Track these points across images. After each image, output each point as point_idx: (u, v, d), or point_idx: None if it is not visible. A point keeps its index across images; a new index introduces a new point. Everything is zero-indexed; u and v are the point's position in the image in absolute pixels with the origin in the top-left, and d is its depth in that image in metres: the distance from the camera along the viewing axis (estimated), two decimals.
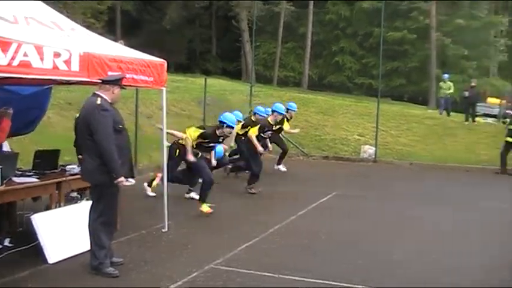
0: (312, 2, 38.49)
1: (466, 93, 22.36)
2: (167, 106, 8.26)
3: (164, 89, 7.60)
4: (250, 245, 7.47)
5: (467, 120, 22.10)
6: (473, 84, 23.19)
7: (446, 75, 24.60)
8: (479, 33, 38.71)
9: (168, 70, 7.86)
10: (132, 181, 7.01)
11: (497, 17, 39.90)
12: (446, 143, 19.10)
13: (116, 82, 6.04)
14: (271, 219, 9.00)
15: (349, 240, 7.97)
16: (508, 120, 16.85)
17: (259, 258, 6.90)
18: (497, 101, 29.40)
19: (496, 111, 26.65)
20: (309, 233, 8.30)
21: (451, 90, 23.42)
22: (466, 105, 22.93)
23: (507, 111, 21.52)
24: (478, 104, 24.10)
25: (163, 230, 7.90)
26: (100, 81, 6.03)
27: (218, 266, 6.50)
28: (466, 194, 12.72)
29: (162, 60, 7.54)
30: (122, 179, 5.88)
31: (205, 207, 9.22)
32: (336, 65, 39.69)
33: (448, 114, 23.22)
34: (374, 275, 6.36)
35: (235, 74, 39.09)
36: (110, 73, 6.20)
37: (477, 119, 22.98)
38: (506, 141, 16.19)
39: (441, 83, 24.22)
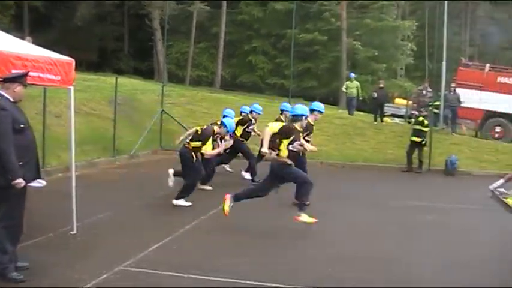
0: (225, 2, 38.61)
1: (375, 94, 23.03)
2: (77, 105, 8.11)
3: (72, 88, 7.41)
4: (161, 246, 7.38)
5: (375, 120, 22.78)
6: (381, 85, 23.92)
7: (352, 74, 25.20)
8: (387, 36, 40.12)
9: (79, 68, 7.69)
10: (42, 182, 6.78)
11: (404, 22, 41.49)
12: (355, 142, 19.63)
13: (17, 80, 5.80)
14: (183, 218, 8.95)
15: (261, 238, 8.05)
16: (413, 120, 17.58)
17: (170, 259, 6.84)
18: (404, 101, 30.54)
19: (403, 112, 27.67)
20: (220, 232, 8.31)
21: (358, 90, 24.04)
22: (374, 106, 23.63)
23: (413, 111, 22.39)
24: (386, 104, 24.90)
25: (71, 233, 7.67)
26: (1, 79, 5.82)
27: (128, 267, 6.38)
28: (375, 192, 13.12)
29: (70, 58, 7.33)
30: (19, 180, 5.61)
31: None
32: (249, 65, 39.96)
33: (351, 113, 23.88)
34: (283, 274, 6.43)
35: (148, 73, 38.64)
36: (13, 71, 5.99)
37: (385, 119, 23.76)
38: (412, 141, 16.93)
39: (347, 82, 24.74)
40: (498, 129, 23.84)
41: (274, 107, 23.12)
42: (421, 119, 17.46)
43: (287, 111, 12.74)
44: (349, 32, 37.70)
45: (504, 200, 12.46)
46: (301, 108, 8.98)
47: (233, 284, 6.01)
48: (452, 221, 10.19)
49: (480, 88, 23.80)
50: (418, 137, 17.06)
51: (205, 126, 10.82)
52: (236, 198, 8.68)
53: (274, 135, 8.45)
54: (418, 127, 17.20)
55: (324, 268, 6.73)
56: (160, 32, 36.68)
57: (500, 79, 24.17)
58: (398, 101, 31.38)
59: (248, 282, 6.05)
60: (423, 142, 17.09)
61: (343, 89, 24.64)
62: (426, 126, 17.39)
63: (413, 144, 16.95)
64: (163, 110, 18.53)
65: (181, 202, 10.12)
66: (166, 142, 17.75)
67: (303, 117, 8.79)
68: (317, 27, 37.88)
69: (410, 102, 28.30)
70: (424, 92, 22.28)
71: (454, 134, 22.25)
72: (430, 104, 21.16)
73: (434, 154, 17.90)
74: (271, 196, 9.02)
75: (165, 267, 6.45)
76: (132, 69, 41.05)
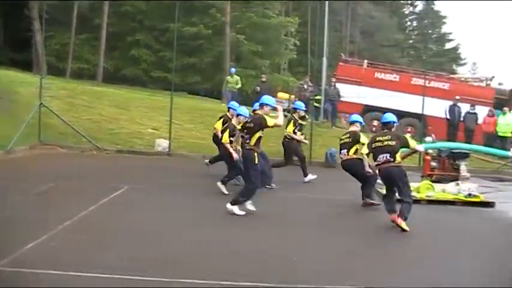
0: None
1: (258, 88, 23.28)
2: None
3: None
4: (38, 243, 6.97)
5: None
6: (263, 79, 24.23)
7: (233, 69, 25.32)
8: (271, 32, 40.70)
9: None
10: None
11: (288, 18, 42.25)
12: None
13: None
14: (61, 215, 8.54)
15: (142, 233, 7.84)
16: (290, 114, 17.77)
17: (49, 257, 6.49)
18: (286, 95, 31.06)
19: (285, 105, 28.12)
20: (100, 228, 8.03)
21: (239, 85, 24.21)
22: (257, 100, 23.84)
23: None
24: None
25: None
26: None
27: (3, 267, 5.97)
28: None
29: None
30: None
31: None
32: (132, 57, 39.14)
33: None
34: (169, 267, 6.33)
35: (26, 65, 36.90)
36: None
37: None
38: None
39: (228, 77, 24.80)
40: (375, 123, 24.77)
41: (156, 100, 22.96)
42: (302, 114, 17.69)
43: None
44: (233, 26, 37.87)
45: (379, 190, 12.93)
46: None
47: (116, 280, 5.83)
48: (332, 211, 10.46)
49: (359, 83, 24.70)
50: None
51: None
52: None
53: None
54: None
55: (207, 262, 6.66)
56: (39, 22, 35.16)
57: (377, 75, 25.22)
58: (280, 95, 31.87)
59: (134, 278, 5.92)
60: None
61: (224, 84, 24.66)
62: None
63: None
64: (41, 103, 17.75)
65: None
66: (45, 137, 17.08)
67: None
68: (202, 21, 37.77)
69: (292, 96, 28.88)
70: (305, 86, 22.76)
71: (333, 127, 22.93)
72: (311, 98, 21.67)
73: (315, 147, 18.31)
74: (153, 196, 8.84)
75: (44, 265, 6.11)
76: (8, 60, 39.01)
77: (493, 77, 26.03)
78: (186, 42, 35.08)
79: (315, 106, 22.27)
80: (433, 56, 60.35)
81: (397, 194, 9.52)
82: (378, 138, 9.72)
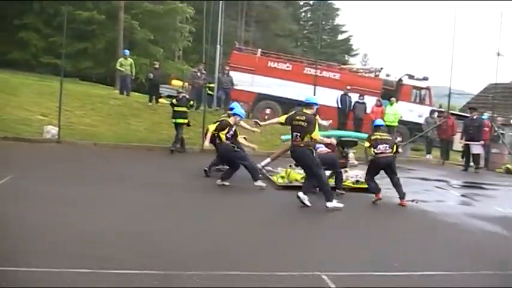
0: None
1: (151, 75, 22.99)
2: None
3: None
4: None
5: (151, 101, 22.79)
6: (156, 66, 23.92)
7: (126, 51, 24.73)
8: (166, 18, 40.25)
9: None
10: None
11: (183, 4, 41.86)
12: (130, 123, 19.45)
13: None
14: None
15: (30, 224, 7.55)
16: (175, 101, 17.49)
17: None
18: (180, 83, 30.93)
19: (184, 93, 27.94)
20: None
21: (133, 68, 23.75)
22: (150, 87, 23.62)
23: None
24: (162, 85, 24.98)
25: None
26: None
27: None
28: (150, 172, 13.10)
29: None
30: None
31: None
32: (20, 41, 37.53)
33: (128, 94, 23.64)
34: (57, 258, 6.10)
35: None
36: None
37: (160, 100, 23.85)
38: (175, 123, 16.98)
39: (121, 59, 24.23)
40: (268, 111, 25.19)
41: (46, 86, 22.17)
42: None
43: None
44: (127, 11, 37.13)
45: (270, 177, 13.16)
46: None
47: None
48: (216, 197, 10.55)
49: (252, 72, 24.93)
50: (182, 118, 17.07)
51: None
52: None
53: None
54: (183, 108, 17.25)
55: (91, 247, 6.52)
56: None
57: (271, 64, 25.55)
58: (174, 82, 31.70)
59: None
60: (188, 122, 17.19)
61: (118, 66, 24.10)
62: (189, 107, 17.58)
63: (178, 126, 16.93)
64: None
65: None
66: None
67: None
68: (97, 6, 36.79)
69: (186, 84, 28.77)
70: (199, 74, 22.69)
71: None
72: (205, 85, 21.66)
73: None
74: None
75: None
76: None
77: (382, 68, 27.10)
78: (78, 26, 34.09)
79: (208, 94, 22.30)
80: (326, 47, 61.94)
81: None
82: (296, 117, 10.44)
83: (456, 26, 21.22)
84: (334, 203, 10.08)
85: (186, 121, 16.99)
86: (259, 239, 7.67)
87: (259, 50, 26.68)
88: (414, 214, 10.74)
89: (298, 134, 10.16)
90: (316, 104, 10.82)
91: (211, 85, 22.97)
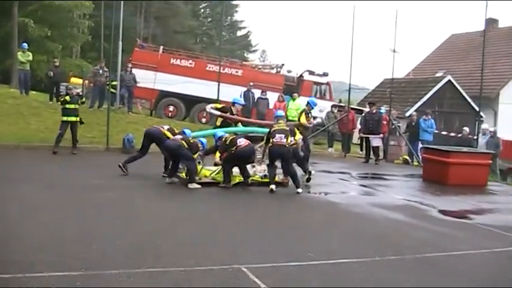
0: None
1: (51, 73, 22.40)
2: None
3: None
4: None
5: (51, 99, 22.19)
6: (57, 63, 23.32)
7: (25, 44, 23.74)
8: (64, 14, 39.11)
9: None
10: None
11: (82, 1, 40.76)
12: (31, 122, 18.84)
13: None
14: None
15: None
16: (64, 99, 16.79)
17: None
18: (80, 81, 30.28)
19: (79, 91, 27.31)
20: None
21: (29, 58, 22.82)
22: (50, 85, 22.99)
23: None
24: (62, 83, 24.33)
25: None
26: None
27: None
28: (53, 173, 12.81)
29: None
30: None
31: None
32: None
33: (27, 93, 22.84)
34: None
35: None
36: None
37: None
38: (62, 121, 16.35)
39: (19, 53, 23.22)
40: (171, 108, 25.15)
41: None
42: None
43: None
44: (22, 8, 35.74)
45: (179, 173, 13.19)
46: None
47: None
48: (135, 195, 10.52)
49: (155, 69, 24.78)
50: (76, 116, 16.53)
51: None
52: None
53: None
54: (75, 106, 16.50)
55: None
56: None
57: (173, 61, 25.49)
58: (74, 80, 30.93)
59: None
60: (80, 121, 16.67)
61: (19, 57, 22.93)
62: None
63: (65, 124, 16.35)
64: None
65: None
66: None
67: None
68: None
69: (86, 81, 28.23)
70: (101, 71, 22.31)
71: (130, 113, 22.81)
72: (108, 83, 21.34)
73: (112, 133, 18.09)
74: None
75: None
76: None
77: (283, 64, 27.61)
78: None
79: (111, 92, 21.98)
80: (225, 43, 62.30)
81: None
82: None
83: (355, 24, 21.94)
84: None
85: (78, 119, 16.45)
86: (179, 235, 7.75)
87: (161, 47, 26.52)
88: (323, 205, 11.17)
89: None
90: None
91: (114, 83, 22.60)
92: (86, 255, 6.40)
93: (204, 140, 13.21)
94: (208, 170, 12.90)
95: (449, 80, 33.14)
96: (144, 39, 43.47)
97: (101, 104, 22.16)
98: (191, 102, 25.13)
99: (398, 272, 6.72)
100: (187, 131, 12.96)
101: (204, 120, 24.71)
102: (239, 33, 71.97)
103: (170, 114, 24.99)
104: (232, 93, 21.69)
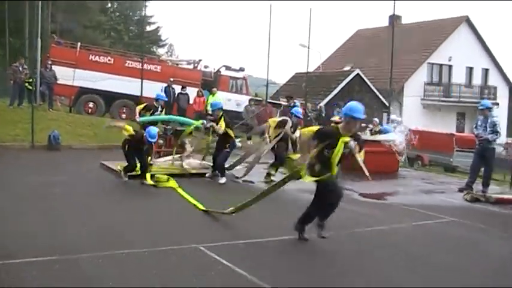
0: None
1: None
2: None
3: None
4: None
5: None
6: None
7: None
8: None
9: None
10: None
11: None
12: None
13: None
14: None
15: None
16: None
17: None
18: None
19: None
20: None
21: None
22: None
23: None
24: None
25: None
26: None
27: None
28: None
29: None
30: None
31: None
32: None
33: None
34: None
35: None
36: None
37: None
38: None
39: None
40: (91, 104, 25.21)
41: None
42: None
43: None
44: None
45: (113, 166, 13.55)
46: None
47: None
48: (71, 190, 10.89)
49: (73, 66, 24.71)
50: None
51: None
52: None
53: None
54: None
55: None
56: None
57: (92, 57, 25.50)
58: None
59: None
60: None
61: None
62: None
63: None
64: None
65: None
66: None
67: None
68: None
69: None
70: (21, 68, 22.13)
71: (51, 109, 22.75)
72: (27, 80, 21.26)
73: (36, 130, 18.07)
74: None
75: None
76: None
77: (200, 60, 28.18)
78: None
79: (28, 89, 21.91)
80: (134, 38, 61.96)
81: None
82: None
83: (271, 23, 22.86)
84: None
85: None
86: (136, 224, 8.28)
87: (79, 43, 26.42)
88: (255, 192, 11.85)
89: None
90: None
91: (30, 80, 22.36)
92: (56, 243, 6.89)
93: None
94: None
95: (358, 74, 34.79)
96: (51, 33, 42.61)
97: (20, 102, 22.00)
98: (111, 99, 25.26)
99: (336, 244, 7.60)
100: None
101: (124, 116, 24.97)
102: (148, 28, 71.46)
103: (90, 110, 25.04)
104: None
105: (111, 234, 7.51)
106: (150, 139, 11.99)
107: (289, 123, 13.28)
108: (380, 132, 18.72)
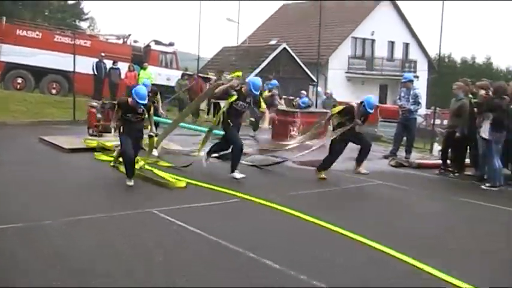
0: None
1: None
2: None
3: None
4: None
5: None
6: None
7: None
8: None
9: None
10: None
11: None
12: None
13: None
14: None
15: None
16: None
17: None
18: None
19: None
20: None
21: None
22: None
23: None
24: None
25: None
26: None
27: None
28: None
29: None
30: None
31: None
32: None
33: None
34: None
35: None
36: None
37: None
38: None
39: None
40: (19, 80, 24.91)
41: None
42: None
43: None
44: None
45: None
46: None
47: None
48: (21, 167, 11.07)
49: (0, 41, 24.29)
50: None
51: None
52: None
53: None
54: None
55: None
56: None
57: (19, 32, 25.11)
58: None
59: None
60: None
61: None
62: None
63: None
64: None
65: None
66: None
67: None
68: None
69: None
70: None
71: None
72: None
73: None
74: None
75: None
76: None
77: (130, 35, 28.22)
78: None
79: None
80: (55, 11, 60.50)
81: None
82: None
83: None
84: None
85: None
86: (92, 195, 8.67)
87: (4, 17, 25.87)
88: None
89: None
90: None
91: None
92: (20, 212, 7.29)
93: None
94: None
95: (285, 48, 35.58)
96: None
97: None
98: (40, 74, 25.04)
99: (286, 203, 8.23)
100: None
101: (54, 91, 24.87)
102: (70, 2, 69.72)
103: (19, 86, 24.76)
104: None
105: (71, 205, 7.87)
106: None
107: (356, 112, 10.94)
108: (299, 105, 19.45)
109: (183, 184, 9.38)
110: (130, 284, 5.04)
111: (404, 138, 14.85)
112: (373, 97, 11.23)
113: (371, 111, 10.92)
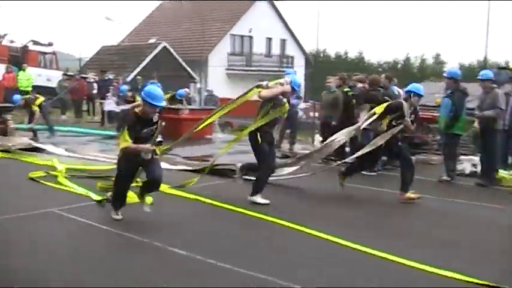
0: None
1: None
2: None
3: None
4: None
5: None
6: None
7: None
8: None
9: None
10: None
11: None
12: None
13: None
14: None
15: None
16: None
17: None
18: None
19: None
20: None
21: None
22: None
23: None
24: None
25: None
26: None
27: None
28: None
29: None
30: None
31: None
32: None
33: None
34: None
35: None
36: None
37: None
38: None
39: None
40: None
41: None
42: None
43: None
44: None
45: None
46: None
47: None
48: None
49: None
50: None
51: None
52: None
53: None
54: None
55: None
56: None
57: None
58: None
59: None
60: None
61: None
62: None
63: None
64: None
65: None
66: None
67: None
68: None
69: None
70: None
71: None
72: None
73: None
74: None
75: None
76: None
77: (6, 34, 27.43)
78: None
79: None
80: None
81: None
82: None
83: None
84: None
85: None
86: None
87: None
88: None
89: None
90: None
91: None
92: None
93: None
94: None
95: (165, 46, 35.96)
96: None
97: None
98: None
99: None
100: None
101: None
102: None
103: None
104: None
105: None
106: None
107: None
108: (174, 96, 19.39)
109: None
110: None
111: (287, 131, 15.55)
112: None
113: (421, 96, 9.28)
